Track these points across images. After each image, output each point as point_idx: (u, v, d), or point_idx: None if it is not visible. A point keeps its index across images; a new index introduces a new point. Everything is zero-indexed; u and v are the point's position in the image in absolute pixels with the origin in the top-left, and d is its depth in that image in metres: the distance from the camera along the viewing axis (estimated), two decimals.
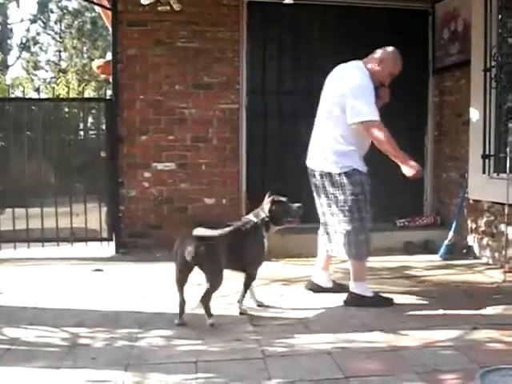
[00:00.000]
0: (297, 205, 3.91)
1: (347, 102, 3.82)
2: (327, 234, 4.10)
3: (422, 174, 3.95)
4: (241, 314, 3.76)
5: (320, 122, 4.10)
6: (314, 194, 4.15)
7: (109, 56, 6.47)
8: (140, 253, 5.73)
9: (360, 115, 3.79)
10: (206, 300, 3.46)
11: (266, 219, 3.85)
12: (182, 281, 3.59)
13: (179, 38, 5.92)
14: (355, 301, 3.90)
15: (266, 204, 3.87)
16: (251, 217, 3.90)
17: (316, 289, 4.23)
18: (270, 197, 3.90)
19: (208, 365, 2.86)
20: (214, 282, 3.50)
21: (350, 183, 3.88)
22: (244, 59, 6.04)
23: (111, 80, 6.07)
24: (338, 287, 4.19)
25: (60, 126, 6.42)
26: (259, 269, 3.87)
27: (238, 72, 6.00)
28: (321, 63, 5.83)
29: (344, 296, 3.97)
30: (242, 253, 3.77)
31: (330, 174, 3.94)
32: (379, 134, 3.82)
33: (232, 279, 4.46)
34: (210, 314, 3.45)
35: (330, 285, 4.25)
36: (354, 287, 3.95)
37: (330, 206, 3.99)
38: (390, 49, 4.07)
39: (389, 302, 3.96)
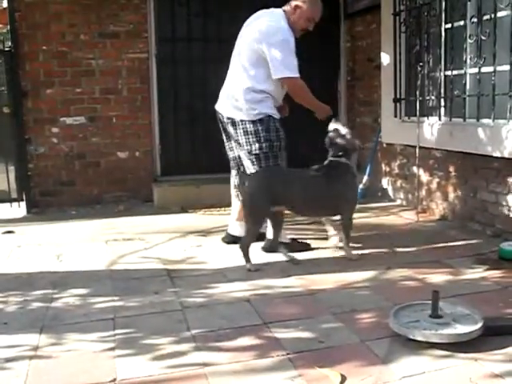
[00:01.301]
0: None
1: (269, 53, 3.70)
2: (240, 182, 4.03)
3: (331, 112, 3.97)
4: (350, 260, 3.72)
5: (235, 68, 3.97)
6: (225, 140, 4.08)
7: (5, 3, 6.03)
8: (53, 211, 5.59)
9: (285, 71, 3.72)
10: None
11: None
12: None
13: None
14: (273, 246, 3.88)
15: (348, 134, 3.77)
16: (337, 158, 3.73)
17: (233, 240, 4.12)
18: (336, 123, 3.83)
19: (126, 320, 2.81)
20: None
21: (265, 130, 3.81)
22: (151, 6, 5.84)
23: (9, 30, 5.71)
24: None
25: None
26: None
27: (145, 19, 5.80)
28: (232, 9, 5.78)
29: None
30: (339, 197, 3.71)
31: (243, 122, 3.85)
32: (301, 91, 3.83)
33: (154, 234, 4.43)
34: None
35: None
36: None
37: (244, 155, 3.91)
38: None
39: (306, 247, 4.02)
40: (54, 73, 5.66)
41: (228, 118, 3.95)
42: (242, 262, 3.71)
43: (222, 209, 5.33)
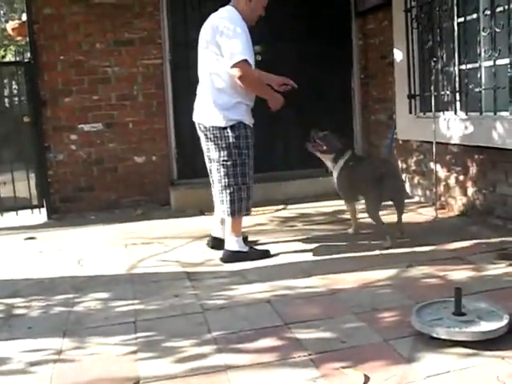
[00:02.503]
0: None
1: (222, 47, 3.67)
2: (214, 190, 4.04)
3: (283, 102, 3.92)
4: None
5: (202, 74, 3.91)
6: (203, 148, 4.02)
7: (24, 17, 6.17)
8: (73, 217, 5.65)
9: (232, 58, 3.62)
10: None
11: None
12: None
13: None
14: (231, 257, 3.85)
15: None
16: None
17: (216, 244, 4.11)
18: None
19: (147, 323, 2.84)
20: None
21: (235, 137, 3.76)
22: (165, 12, 5.89)
23: (28, 42, 5.82)
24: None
25: None
26: None
27: (159, 26, 5.87)
28: None
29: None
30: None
31: (214, 128, 3.80)
32: (249, 77, 3.68)
33: (172, 237, 4.46)
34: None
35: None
36: (229, 243, 3.88)
37: (213, 162, 3.89)
38: None
39: (265, 254, 3.93)
40: (71, 81, 5.75)
41: (200, 125, 3.93)
42: (260, 263, 3.74)
43: None
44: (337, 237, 4.32)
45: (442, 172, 5.01)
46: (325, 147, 4.21)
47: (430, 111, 4.88)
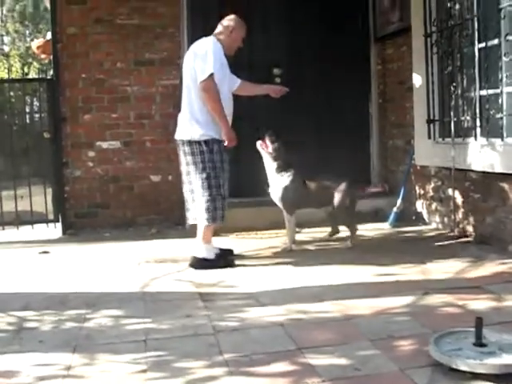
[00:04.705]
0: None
1: (196, 68, 4.10)
2: (191, 201, 4.36)
3: (235, 144, 4.25)
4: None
5: (184, 96, 4.31)
6: (181, 163, 4.35)
7: (49, 35, 6.29)
8: (87, 233, 5.66)
9: (203, 73, 4.04)
10: None
11: None
12: None
13: (119, 14, 5.81)
14: (198, 263, 4.17)
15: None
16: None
17: (197, 262, 4.24)
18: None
19: (158, 342, 2.80)
20: None
21: (209, 151, 4.14)
22: (185, 34, 5.93)
23: (52, 60, 5.93)
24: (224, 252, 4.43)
25: (2, 108, 6.24)
26: None
27: (179, 47, 5.89)
28: (263, 32, 5.95)
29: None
30: None
31: (190, 142, 4.19)
32: (209, 95, 4.08)
33: (186, 256, 4.43)
34: None
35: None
36: (198, 250, 4.21)
37: (190, 174, 4.24)
38: (233, 16, 4.37)
39: (229, 263, 4.24)
40: (91, 99, 5.81)
41: (178, 140, 4.30)
42: (274, 286, 3.69)
43: (254, 232, 5.34)
44: (349, 261, 4.27)
45: (460, 198, 4.95)
46: (270, 149, 4.60)
47: (449, 137, 4.84)
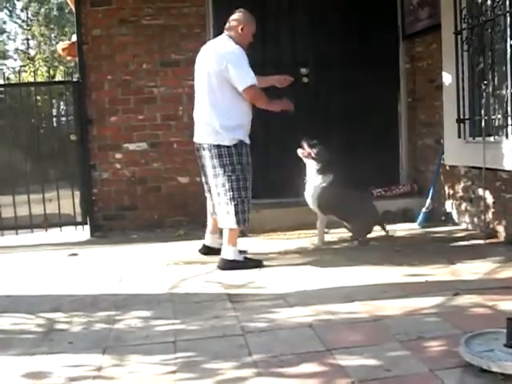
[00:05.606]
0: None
1: (230, 72, 4.12)
2: (213, 205, 4.43)
3: (291, 106, 4.48)
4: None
5: (202, 97, 4.36)
6: (200, 167, 4.45)
7: (74, 38, 6.34)
8: (115, 235, 5.69)
9: (244, 82, 4.13)
10: None
11: None
12: None
13: (144, 15, 5.83)
14: (226, 265, 4.19)
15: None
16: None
17: (207, 251, 4.58)
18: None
19: (187, 344, 2.80)
20: None
21: (238, 154, 4.19)
22: (211, 34, 5.90)
23: (77, 62, 5.95)
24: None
25: (29, 111, 6.27)
26: None
27: None
28: (289, 35, 5.95)
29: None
30: None
31: (218, 146, 4.19)
32: (258, 97, 4.26)
33: (214, 258, 4.43)
34: None
35: (218, 246, 4.46)
36: (226, 253, 4.22)
37: (217, 177, 4.23)
38: (242, 11, 4.40)
39: (258, 264, 4.24)
40: (117, 101, 5.83)
41: (204, 144, 4.31)
42: (302, 286, 3.67)
43: (282, 233, 5.32)
44: (380, 261, 4.22)
45: (490, 199, 4.86)
46: (313, 154, 4.70)
47: (480, 136, 4.76)
